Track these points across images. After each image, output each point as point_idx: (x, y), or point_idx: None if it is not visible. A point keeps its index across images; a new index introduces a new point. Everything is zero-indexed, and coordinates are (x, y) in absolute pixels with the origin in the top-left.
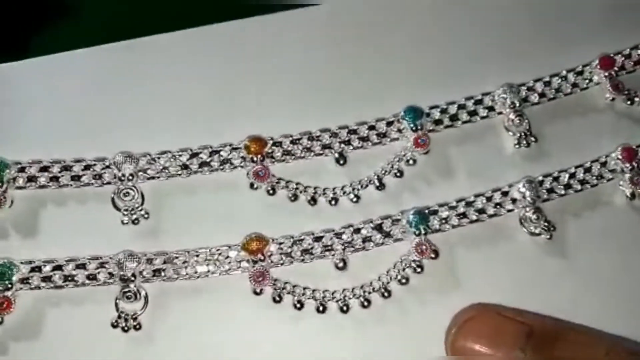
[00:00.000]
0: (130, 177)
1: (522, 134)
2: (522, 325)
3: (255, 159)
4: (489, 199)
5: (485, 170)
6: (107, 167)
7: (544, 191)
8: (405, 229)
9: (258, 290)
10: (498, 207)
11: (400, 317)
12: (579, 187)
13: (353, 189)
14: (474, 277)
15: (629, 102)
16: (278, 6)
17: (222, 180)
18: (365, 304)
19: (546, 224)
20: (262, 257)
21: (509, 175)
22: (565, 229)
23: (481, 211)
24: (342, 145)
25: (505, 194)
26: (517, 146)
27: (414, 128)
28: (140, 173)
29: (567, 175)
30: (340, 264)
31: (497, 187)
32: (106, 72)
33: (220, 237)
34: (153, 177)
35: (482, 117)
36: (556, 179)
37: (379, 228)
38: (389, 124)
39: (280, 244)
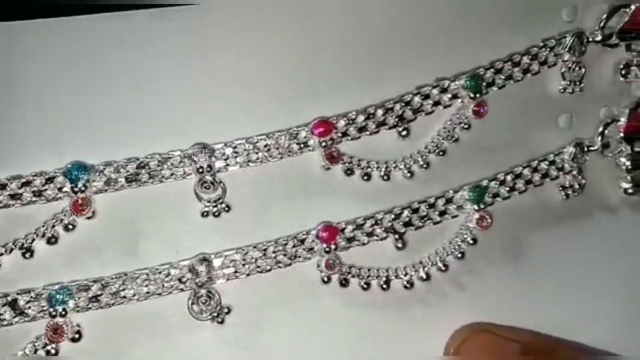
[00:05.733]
0: None
1: (213, 201)
2: (515, 343)
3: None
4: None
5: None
6: None
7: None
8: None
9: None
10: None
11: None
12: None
13: None
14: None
15: (348, 173)
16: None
17: None
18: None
19: (217, 308)
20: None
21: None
22: None
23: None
24: None
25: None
26: (205, 215)
27: (75, 188)
28: None
29: (258, 254)
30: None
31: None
32: None
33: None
34: None
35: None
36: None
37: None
38: (49, 180)
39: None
